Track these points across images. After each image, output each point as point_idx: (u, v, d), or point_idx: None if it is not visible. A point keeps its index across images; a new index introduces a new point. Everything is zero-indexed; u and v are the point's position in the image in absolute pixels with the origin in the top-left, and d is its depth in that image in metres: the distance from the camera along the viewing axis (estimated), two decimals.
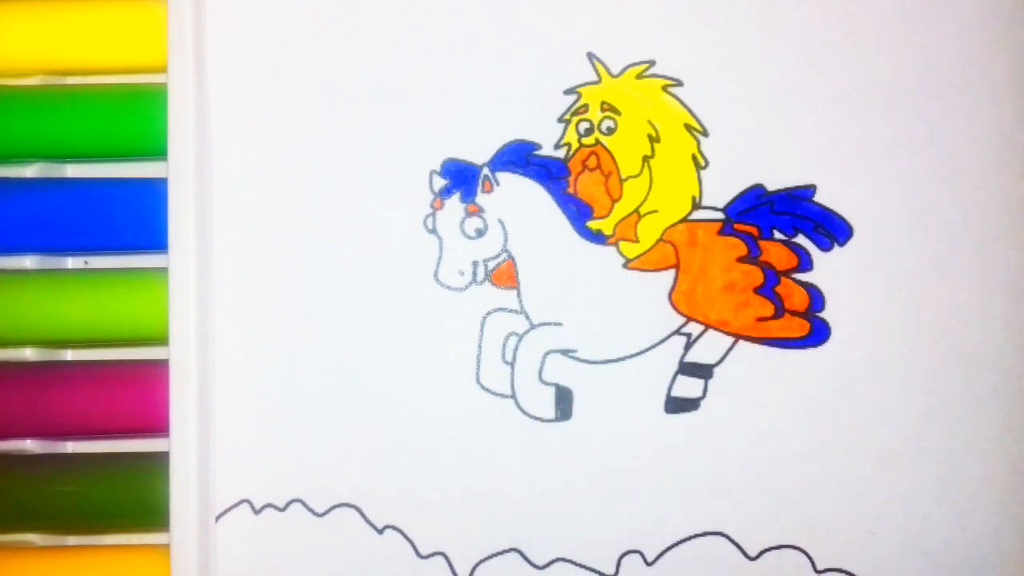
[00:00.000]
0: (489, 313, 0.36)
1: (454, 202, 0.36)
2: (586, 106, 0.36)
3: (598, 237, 0.35)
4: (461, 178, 0.36)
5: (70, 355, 0.38)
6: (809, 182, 0.35)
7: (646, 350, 0.35)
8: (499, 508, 0.35)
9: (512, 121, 0.36)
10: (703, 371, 0.35)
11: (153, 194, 0.36)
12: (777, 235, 0.35)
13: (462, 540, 0.35)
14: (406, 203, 0.36)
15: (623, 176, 0.36)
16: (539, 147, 0.36)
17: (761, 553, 0.35)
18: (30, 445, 0.37)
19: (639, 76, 0.36)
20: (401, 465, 0.35)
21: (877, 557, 0.35)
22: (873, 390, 0.35)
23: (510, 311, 0.36)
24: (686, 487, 0.35)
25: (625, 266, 0.35)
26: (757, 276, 0.35)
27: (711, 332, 0.35)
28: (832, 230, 0.35)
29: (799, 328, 0.35)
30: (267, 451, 0.36)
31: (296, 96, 0.36)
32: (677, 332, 0.35)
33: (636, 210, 0.35)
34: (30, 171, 0.37)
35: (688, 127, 0.36)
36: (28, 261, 0.37)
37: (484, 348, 0.36)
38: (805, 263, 0.35)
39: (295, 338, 0.36)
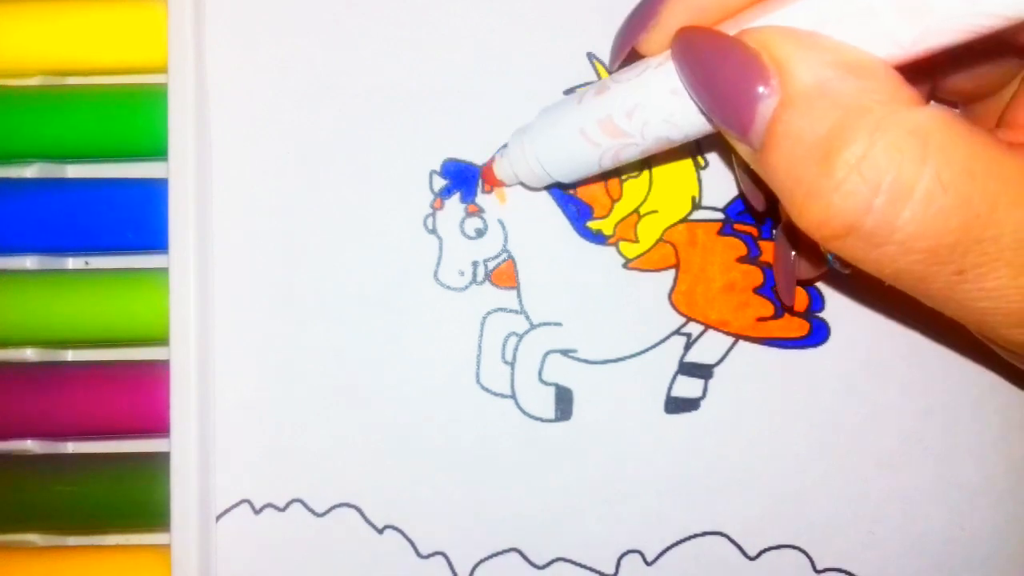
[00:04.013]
0: (489, 313, 0.36)
1: (454, 202, 0.36)
2: None
3: (598, 237, 0.36)
4: (461, 178, 0.36)
5: (71, 355, 0.38)
6: None
7: (646, 350, 0.36)
8: (499, 508, 0.35)
9: (512, 121, 0.35)
10: (703, 371, 0.35)
11: (153, 194, 0.36)
12: None
13: (462, 540, 0.35)
14: (406, 203, 0.36)
15: (623, 176, 0.36)
16: None
17: (761, 553, 0.35)
18: (30, 445, 0.37)
19: None
20: (401, 465, 0.36)
21: (877, 557, 0.35)
22: (873, 390, 0.36)
23: (510, 311, 0.36)
24: (686, 487, 0.35)
25: (625, 266, 0.36)
26: (757, 276, 0.35)
27: (711, 332, 0.36)
28: None
29: (799, 328, 0.35)
30: (267, 451, 0.36)
31: (296, 96, 0.36)
32: (677, 332, 0.35)
33: (636, 210, 0.35)
34: (30, 171, 0.37)
35: None
36: (28, 261, 0.37)
37: (484, 348, 0.36)
38: None
39: (295, 338, 0.36)
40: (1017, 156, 0.21)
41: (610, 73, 0.29)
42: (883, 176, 0.21)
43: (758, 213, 0.34)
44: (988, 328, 0.23)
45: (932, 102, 0.32)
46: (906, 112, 0.21)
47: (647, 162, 0.35)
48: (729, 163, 0.35)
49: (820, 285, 0.35)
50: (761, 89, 0.22)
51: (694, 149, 0.36)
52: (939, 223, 0.21)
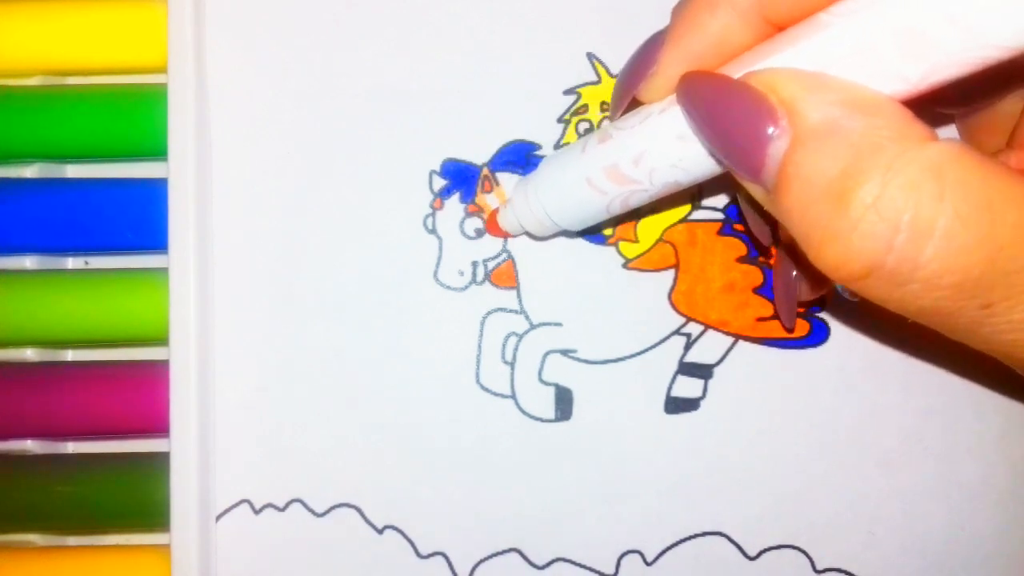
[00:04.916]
0: (489, 313, 0.36)
1: (454, 202, 0.36)
2: (586, 106, 0.36)
3: (598, 237, 0.36)
4: (461, 178, 0.36)
5: (70, 355, 0.38)
6: None
7: (646, 350, 0.36)
8: (499, 508, 0.35)
9: (512, 121, 0.36)
10: (703, 371, 0.35)
11: (153, 194, 0.36)
12: None
13: (462, 540, 0.35)
14: (406, 203, 0.36)
15: None
16: (539, 147, 0.36)
17: (761, 553, 0.35)
18: (30, 445, 0.37)
19: None
20: (401, 465, 0.36)
21: (877, 557, 0.35)
22: (873, 390, 0.36)
23: (510, 311, 0.36)
24: (686, 487, 0.35)
25: (625, 266, 0.36)
26: (757, 276, 0.35)
27: (711, 332, 0.36)
28: None
29: (799, 328, 0.35)
30: (267, 451, 0.36)
31: (296, 96, 0.36)
32: (677, 332, 0.35)
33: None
34: (30, 171, 0.37)
35: None
36: (28, 261, 0.37)
37: (484, 348, 0.36)
38: None
39: (295, 338, 0.36)
40: None
41: (612, 121, 0.29)
42: (902, 214, 0.20)
43: (764, 248, 0.34)
44: (1017, 361, 0.23)
45: (942, 136, 0.32)
46: (919, 148, 0.21)
47: None
48: None
49: None
50: (771, 130, 0.22)
51: None
52: (963, 258, 0.20)
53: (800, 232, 0.22)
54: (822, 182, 0.21)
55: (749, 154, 0.23)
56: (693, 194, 0.36)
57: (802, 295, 0.32)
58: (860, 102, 0.22)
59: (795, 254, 0.31)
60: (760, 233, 0.31)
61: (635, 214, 0.35)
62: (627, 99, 0.28)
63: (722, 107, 0.23)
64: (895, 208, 0.20)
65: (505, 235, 0.35)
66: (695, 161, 0.26)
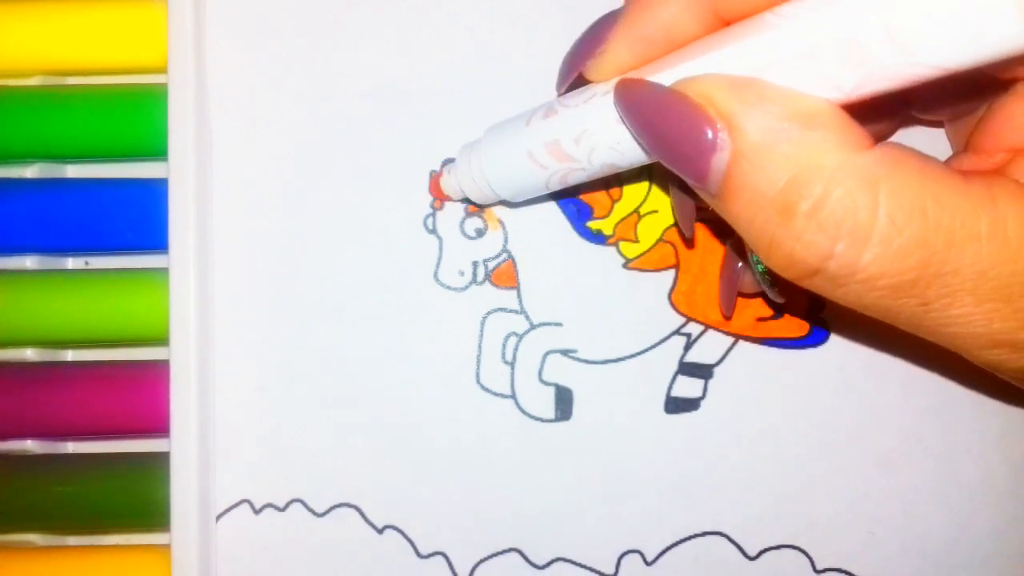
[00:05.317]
0: (489, 313, 0.36)
1: (454, 202, 0.36)
2: None
3: (598, 237, 0.36)
4: None
5: (70, 355, 0.38)
6: None
7: (646, 350, 0.36)
8: (499, 508, 0.35)
9: None
10: (703, 371, 0.35)
11: (153, 194, 0.36)
12: None
13: (462, 540, 0.35)
14: (406, 203, 0.36)
15: (622, 177, 0.36)
16: None
17: (761, 553, 0.35)
18: (30, 445, 0.37)
19: None
20: (401, 465, 0.36)
21: (877, 557, 0.35)
22: (873, 390, 0.36)
23: (510, 311, 0.36)
24: (686, 487, 0.35)
25: (625, 266, 0.36)
26: None
27: (711, 332, 0.36)
28: None
29: (799, 328, 0.35)
30: (267, 451, 0.36)
31: (296, 96, 0.36)
32: (677, 332, 0.35)
33: (636, 210, 0.35)
34: (30, 171, 0.37)
35: None
36: (28, 261, 0.37)
37: (484, 348, 0.36)
38: None
39: (295, 338, 0.36)
40: (971, 187, 0.22)
41: (558, 96, 0.30)
42: (841, 225, 0.21)
43: (688, 239, 0.35)
44: (962, 350, 0.24)
45: (890, 138, 0.32)
46: (857, 158, 0.22)
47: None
48: None
49: None
50: (711, 142, 0.23)
51: None
52: (898, 263, 0.22)
53: (748, 236, 0.23)
54: (765, 195, 0.22)
55: (692, 164, 0.23)
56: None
57: (743, 287, 0.33)
58: (798, 113, 0.22)
59: (741, 250, 0.32)
60: (685, 227, 0.32)
61: (636, 213, 0.35)
62: (572, 75, 0.29)
63: (660, 119, 0.24)
64: (834, 220, 0.21)
65: (447, 198, 0.35)
66: (633, 146, 0.27)
